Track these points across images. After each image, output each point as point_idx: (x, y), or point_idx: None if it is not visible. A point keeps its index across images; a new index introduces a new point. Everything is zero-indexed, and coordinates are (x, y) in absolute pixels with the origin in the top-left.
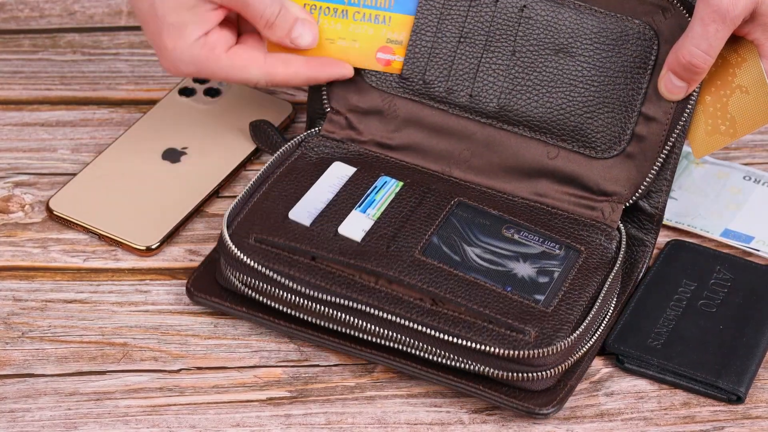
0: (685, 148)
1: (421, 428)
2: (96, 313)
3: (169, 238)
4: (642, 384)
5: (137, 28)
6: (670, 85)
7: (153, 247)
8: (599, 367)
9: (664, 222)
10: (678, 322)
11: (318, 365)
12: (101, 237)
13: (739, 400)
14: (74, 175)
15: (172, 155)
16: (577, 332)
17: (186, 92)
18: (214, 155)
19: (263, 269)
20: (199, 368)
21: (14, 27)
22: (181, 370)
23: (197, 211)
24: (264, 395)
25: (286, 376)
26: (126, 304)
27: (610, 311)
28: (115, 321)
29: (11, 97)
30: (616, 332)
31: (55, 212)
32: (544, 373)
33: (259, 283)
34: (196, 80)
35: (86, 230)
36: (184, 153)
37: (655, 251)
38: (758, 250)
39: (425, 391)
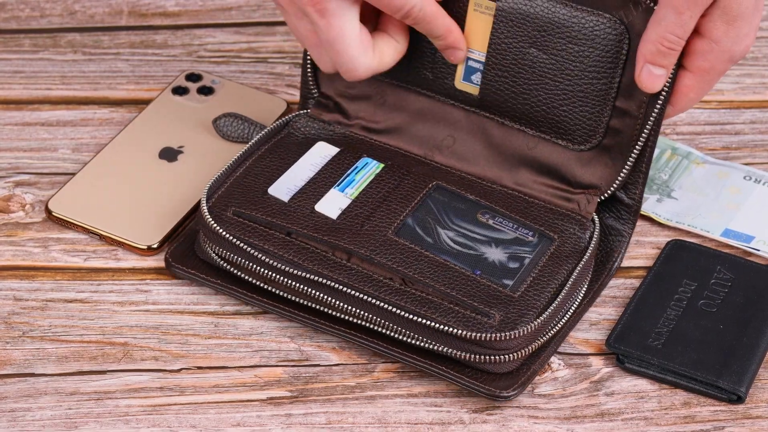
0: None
1: (422, 428)
2: (96, 313)
3: (169, 238)
4: (642, 384)
5: (138, 28)
6: (652, 77)
7: (154, 246)
8: (599, 367)
9: (665, 222)
10: (678, 321)
11: (318, 365)
12: (102, 237)
13: (740, 399)
14: (74, 174)
15: (169, 154)
16: (542, 318)
17: (179, 91)
18: (210, 153)
19: (238, 242)
20: (199, 368)
21: (15, 27)
22: (181, 369)
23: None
24: (264, 395)
25: (286, 376)
26: (126, 303)
27: (579, 299)
28: (116, 321)
29: (12, 97)
30: (617, 332)
31: (54, 214)
32: (507, 356)
33: (234, 255)
34: (189, 78)
35: (86, 231)
36: (181, 152)
37: (656, 251)
38: (758, 250)
39: (426, 390)
